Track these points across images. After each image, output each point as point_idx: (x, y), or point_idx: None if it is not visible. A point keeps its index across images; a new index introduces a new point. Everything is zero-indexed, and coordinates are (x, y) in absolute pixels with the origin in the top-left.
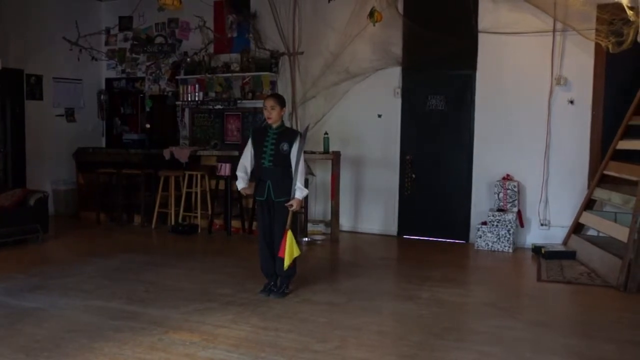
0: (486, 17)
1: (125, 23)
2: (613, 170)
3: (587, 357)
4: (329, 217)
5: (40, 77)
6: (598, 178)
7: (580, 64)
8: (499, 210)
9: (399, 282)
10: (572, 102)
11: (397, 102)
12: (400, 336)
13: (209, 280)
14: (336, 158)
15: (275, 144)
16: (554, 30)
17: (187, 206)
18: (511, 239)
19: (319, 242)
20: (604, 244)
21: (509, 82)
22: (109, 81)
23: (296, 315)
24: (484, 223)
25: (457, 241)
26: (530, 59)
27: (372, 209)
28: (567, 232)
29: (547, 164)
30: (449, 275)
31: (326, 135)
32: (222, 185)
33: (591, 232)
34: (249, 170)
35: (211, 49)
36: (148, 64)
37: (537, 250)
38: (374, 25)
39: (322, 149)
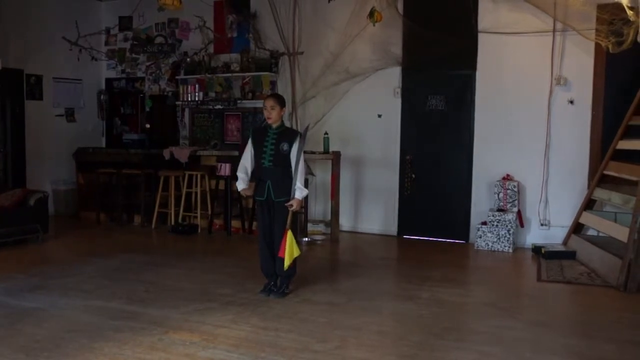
0: (486, 17)
1: (125, 23)
2: (613, 170)
3: (587, 357)
4: (329, 217)
5: (40, 77)
6: (598, 178)
7: (580, 64)
8: (499, 210)
9: (399, 282)
10: (572, 102)
11: (397, 102)
12: (400, 336)
13: (209, 280)
14: (336, 158)
15: (275, 144)
16: (554, 30)
17: (187, 206)
18: (511, 239)
19: (319, 242)
20: (604, 244)
21: (509, 82)
22: (109, 81)
23: (296, 315)
24: (484, 223)
25: (457, 241)
26: (530, 59)
27: (372, 209)
28: (567, 232)
29: (547, 164)
30: (449, 275)
31: (326, 135)
32: (222, 185)
33: (591, 232)
34: (249, 171)
35: (211, 49)
36: (148, 64)
37: (537, 250)
38: (374, 25)
39: (322, 149)
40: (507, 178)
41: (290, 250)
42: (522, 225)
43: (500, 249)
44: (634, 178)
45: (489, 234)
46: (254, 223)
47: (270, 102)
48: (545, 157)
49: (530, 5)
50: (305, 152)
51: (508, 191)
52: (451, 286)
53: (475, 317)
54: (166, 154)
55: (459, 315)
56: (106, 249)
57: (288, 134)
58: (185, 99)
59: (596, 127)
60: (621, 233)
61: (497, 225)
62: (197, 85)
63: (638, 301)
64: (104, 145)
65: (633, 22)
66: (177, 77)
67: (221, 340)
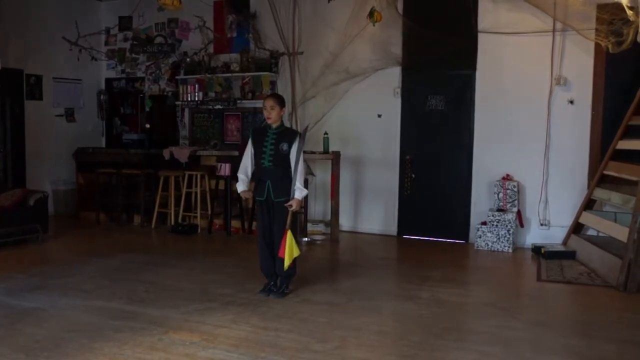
0: (486, 17)
1: (125, 23)
2: (613, 170)
3: (587, 357)
4: (328, 217)
5: (40, 77)
6: (598, 178)
7: (580, 63)
8: (499, 210)
9: (399, 282)
10: (572, 102)
11: (397, 102)
12: (400, 336)
13: (209, 280)
14: (336, 158)
15: (274, 144)
16: (554, 30)
17: (187, 206)
18: (511, 239)
19: (318, 242)
20: (604, 244)
21: (509, 82)
22: (108, 81)
23: (296, 315)
24: (484, 223)
25: (457, 241)
26: (530, 59)
27: (372, 209)
28: (567, 232)
29: (547, 164)
30: (449, 275)
31: (326, 135)
32: (221, 185)
33: (591, 232)
34: (249, 172)
35: (211, 49)
36: (148, 64)
37: (537, 250)
38: (374, 25)
39: (322, 149)
40: (507, 178)
41: (290, 250)
42: (522, 225)
43: (500, 249)
44: (633, 178)
45: (489, 234)
46: (254, 223)
47: (269, 102)
48: (545, 157)
49: (530, 5)
50: (305, 152)
51: (508, 191)
52: (451, 286)
53: (475, 317)
54: (166, 154)
55: (459, 315)
56: (106, 249)
57: (288, 134)
58: (185, 99)
59: (596, 127)
60: (621, 233)
61: (497, 225)
62: (197, 85)
63: (638, 301)
64: (103, 145)
65: (633, 22)
66: (176, 77)
67: (221, 340)
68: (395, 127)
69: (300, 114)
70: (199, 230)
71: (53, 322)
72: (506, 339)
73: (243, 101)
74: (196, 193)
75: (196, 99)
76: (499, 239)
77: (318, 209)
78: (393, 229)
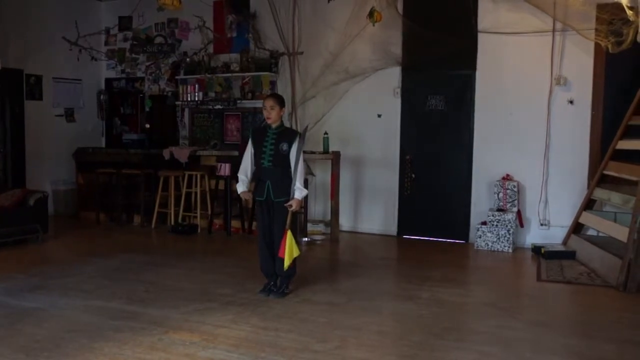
0: (486, 17)
1: (125, 23)
2: (613, 170)
3: (587, 357)
4: (328, 217)
5: (40, 77)
6: (598, 178)
7: (580, 63)
8: (499, 210)
9: (399, 282)
10: (571, 102)
11: (397, 102)
12: (400, 336)
13: (209, 280)
14: (336, 158)
15: (274, 144)
16: (554, 30)
17: (186, 206)
18: (511, 238)
19: (318, 242)
20: (604, 243)
21: (508, 82)
22: (108, 81)
23: (296, 315)
24: (484, 223)
25: (457, 241)
26: (530, 59)
27: (372, 209)
28: (567, 232)
29: (546, 164)
30: (449, 275)
31: (326, 135)
32: (221, 185)
33: (591, 232)
34: (249, 173)
35: (211, 49)
36: (148, 64)
37: (537, 250)
38: (374, 25)
39: (322, 149)
40: (507, 178)
41: (290, 250)
42: (521, 225)
43: (500, 249)
44: (633, 178)
45: (489, 234)
46: (254, 223)
47: (269, 102)
48: (545, 157)
49: (530, 5)
50: (305, 152)
51: (508, 191)
52: (451, 286)
53: (475, 317)
54: (166, 154)
55: (459, 315)
56: (106, 249)
57: (287, 134)
58: (185, 99)
59: (596, 127)
60: (621, 233)
61: (497, 225)
62: (196, 85)
63: (638, 301)
64: (103, 145)
65: (633, 22)
66: (176, 77)
67: (221, 340)
68: (395, 127)
69: (300, 114)
70: (199, 230)
71: (53, 322)
72: (506, 339)
73: (243, 101)
74: (196, 193)
75: (196, 99)
76: (499, 239)
77: (318, 209)
78: (393, 229)
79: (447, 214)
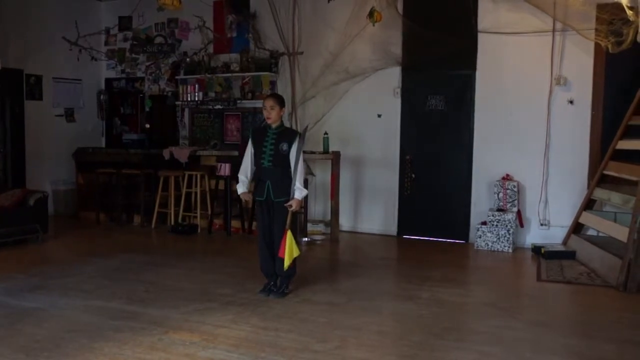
0: (486, 17)
1: (124, 23)
2: (613, 170)
3: (587, 357)
4: (328, 217)
5: (40, 77)
6: (598, 178)
7: (580, 63)
8: (499, 210)
9: (399, 282)
10: (571, 102)
11: (397, 102)
12: (400, 336)
13: (209, 280)
14: (336, 158)
15: (274, 144)
16: (554, 30)
17: (186, 206)
18: (511, 238)
19: (318, 242)
20: (604, 243)
21: (508, 82)
22: (108, 81)
23: (296, 315)
24: (484, 223)
25: (457, 241)
26: (530, 59)
27: (372, 209)
28: (567, 232)
29: (546, 164)
30: (449, 275)
31: (326, 135)
32: (221, 185)
33: (591, 232)
34: (249, 174)
35: (211, 49)
36: (148, 64)
37: (536, 250)
38: (374, 25)
39: (322, 149)
40: (507, 178)
41: (289, 250)
42: (521, 225)
43: (500, 249)
44: (633, 178)
45: (489, 234)
46: (254, 223)
47: (269, 102)
48: (545, 157)
49: (530, 5)
50: (305, 152)
51: (508, 191)
52: (451, 286)
53: (475, 317)
54: (166, 154)
55: (459, 315)
56: (106, 249)
57: (287, 134)
58: (185, 99)
59: (596, 127)
60: (621, 233)
61: (496, 225)
62: (196, 85)
63: (638, 301)
64: (103, 145)
65: (632, 22)
66: (176, 77)
67: (221, 340)
68: (395, 127)
69: (300, 114)
70: (199, 230)
71: (53, 322)
72: (506, 339)
73: (243, 101)
74: (196, 193)
75: (196, 99)
76: (499, 239)
77: (318, 209)
78: (393, 229)
79: (447, 214)
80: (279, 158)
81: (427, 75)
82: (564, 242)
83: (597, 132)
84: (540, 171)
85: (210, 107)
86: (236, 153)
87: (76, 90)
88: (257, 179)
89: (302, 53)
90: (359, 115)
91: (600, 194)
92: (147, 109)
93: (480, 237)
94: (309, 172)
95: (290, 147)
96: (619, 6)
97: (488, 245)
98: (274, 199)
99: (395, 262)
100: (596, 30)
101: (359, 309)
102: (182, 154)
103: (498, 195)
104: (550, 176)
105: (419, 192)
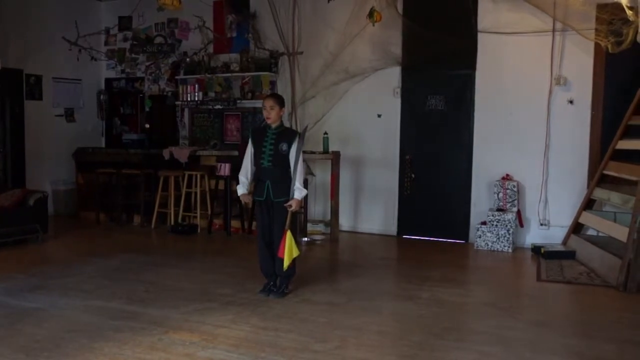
0: (486, 17)
1: (124, 23)
2: (612, 170)
3: (587, 357)
4: (328, 217)
5: (39, 77)
6: (597, 178)
7: (580, 63)
8: (499, 210)
9: (399, 282)
10: (571, 102)
11: (397, 102)
12: (400, 336)
13: (209, 280)
14: (336, 158)
15: (274, 144)
16: (554, 30)
17: (186, 206)
18: (511, 238)
19: (318, 242)
20: (604, 243)
21: (508, 82)
22: (108, 81)
23: (296, 315)
24: (484, 223)
25: (456, 241)
26: (530, 59)
27: (372, 209)
28: (567, 232)
29: (546, 164)
30: (449, 275)
31: (326, 135)
32: (221, 185)
33: (591, 232)
34: (249, 174)
35: (211, 49)
36: (147, 64)
37: (536, 250)
38: (374, 25)
39: (321, 149)
40: (507, 178)
41: (289, 250)
42: (521, 225)
43: (500, 249)
44: (633, 178)
45: (489, 234)
46: (254, 223)
47: (269, 102)
48: (544, 157)
49: (530, 5)
50: (304, 152)
51: (508, 191)
52: (451, 286)
53: (475, 317)
54: (166, 154)
55: (459, 315)
56: (106, 249)
57: (287, 134)
58: (184, 99)
59: (596, 127)
60: (621, 233)
61: (496, 225)
62: (196, 85)
63: (638, 301)
64: (103, 145)
65: (632, 22)
66: (176, 77)
67: (221, 340)
68: (395, 127)
69: (300, 114)
70: (199, 230)
71: (53, 322)
72: (506, 339)
73: (243, 101)
74: (196, 193)
75: (196, 99)
76: (498, 238)
77: (318, 209)
78: (393, 229)
79: (447, 214)
80: (278, 158)
81: (427, 75)
82: (564, 242)
83: (597, 132)
84: (540, 171)
85: (210, 107)
86: (236, 153)
87: (76, 90)
88: (256, 179)
89: (302, 53)
90: (359, 115)
91: (600, 194)
92: (147, 109)
93: (480, 237)
94: (308, 172)
95: (289, 147)
96: (619, 6)
97: (488, 245)
98: (273, 199)
99: (395, 262)
100: (596, 30)
101: (359, 309)
102: (182, 154)
103: (498, 195)
104: (550, 176)
105: (418, 192)
